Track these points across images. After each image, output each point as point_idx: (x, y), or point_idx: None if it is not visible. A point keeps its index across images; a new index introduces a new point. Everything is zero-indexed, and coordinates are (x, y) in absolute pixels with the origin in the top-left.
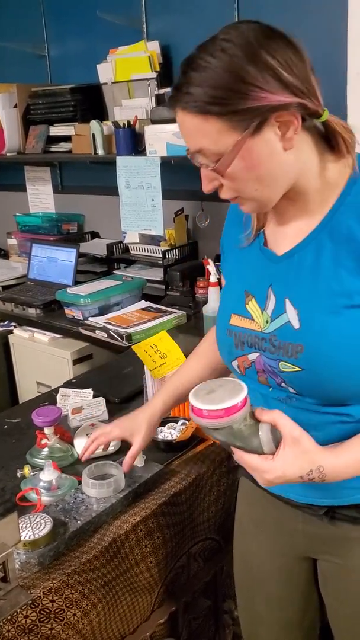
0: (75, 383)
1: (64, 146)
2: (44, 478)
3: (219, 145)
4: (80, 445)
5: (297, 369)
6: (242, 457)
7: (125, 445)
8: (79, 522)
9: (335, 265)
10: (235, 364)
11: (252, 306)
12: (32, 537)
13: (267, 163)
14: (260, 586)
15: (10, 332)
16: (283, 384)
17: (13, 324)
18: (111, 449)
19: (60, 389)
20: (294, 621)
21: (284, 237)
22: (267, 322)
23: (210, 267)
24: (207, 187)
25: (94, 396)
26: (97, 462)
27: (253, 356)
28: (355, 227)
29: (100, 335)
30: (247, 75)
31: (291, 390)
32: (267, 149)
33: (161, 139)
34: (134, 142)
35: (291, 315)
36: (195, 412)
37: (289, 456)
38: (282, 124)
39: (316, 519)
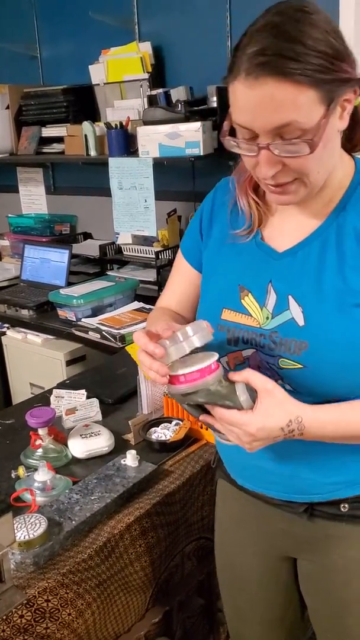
0: (68, 384)
1: (56, 147)
2: (38, 479)
3: (309, 118)
4: (74, 445)
5: (299, 365)
6: (223, 414)
7: (119, 445)
8: (73, 522)
9: (341, 264)
10: (224, 360)
11: (249, 301)
12: (27, 537)
13: (332, 142)
14: (243, 585)
15: (4, 333)
16: (280, 381)
17: (6, 325)
18: (105, 448)
19: (54, 390)
20: (275, 620)
21: (283, 234)
22: (267, 318)
23: None
24: (270, 172)
25: (88, 397)
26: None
27: (247, 352)
28: None
29: (93, 336)
30: (336, 46)
31: (288, 387)
32: (334, 126)
33: (153, 140)
34: (127, 143)
35: (295, 312)
36: (173, 381)
37: (266, 407)
38: (345, 100)
39: (296, 517)
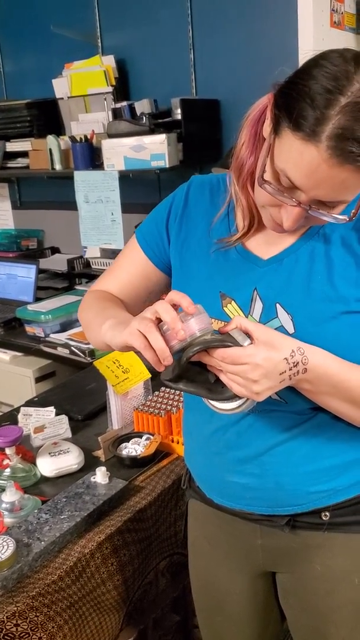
0: (37, 401)
1: (21, 162)
2: (6, 499)
3: (354, 195)
4: (43, 464)
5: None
6: (224, 352)
7: (89, 462)
8: (42, 542)
9: (330, 272)
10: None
11: (232, 309)
12: None
13: None
14: (220, 606)
15: None
16: None
17: None
18: (75, 466)
19: (22, 408)
20: (254, 638)
21: (266, 241)
22: None
23: None
24: (294, 226)
25: (57, 414)
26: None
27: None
28: (347, 234)
29: (62, 352)
30: None
31: (274, 396)
32: None
33: (119, 152)
34: (92, 157)
35: (284, 320)
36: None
37: (266, 338)
38: None
39: (276, 530)
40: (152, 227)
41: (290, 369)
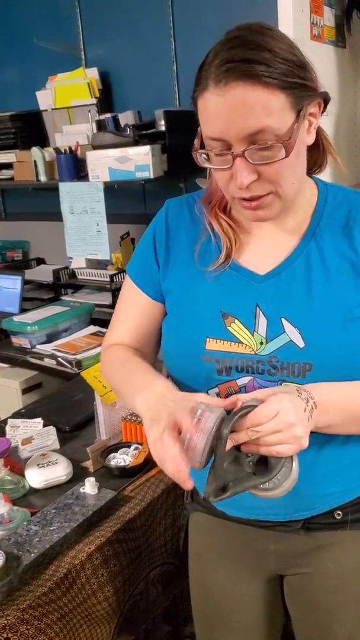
0: (24, 413)
1: (5, 173)
2: None
3: (281, 123)
4: (31, 475)
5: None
6: (254, 416)
7: (78, 472)
8: (32, 554)
9: (328, 281)
10: (214, 391)
11: (237, 328)
12: None
13: (302, 155)
14: (224, 616)
15: None
16: None
17: None
18: (63, 477)
19: (9, 420)
20: None
21: (260, 256)
22: (261, 343)
23: None
24: (247, 179)
25: (44, 425)
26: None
27: (244, 380)
28: (341, 241)
29: (49, 363)
30: (299, 56)
31: None
32: (303, 138)
33: (103, 164)
34: (77, 168)
35: (292, 334)
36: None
37: (271, 390)
38: (310, 114)
39: (290, 534)
40: (142, 262)
41: (307, 403)
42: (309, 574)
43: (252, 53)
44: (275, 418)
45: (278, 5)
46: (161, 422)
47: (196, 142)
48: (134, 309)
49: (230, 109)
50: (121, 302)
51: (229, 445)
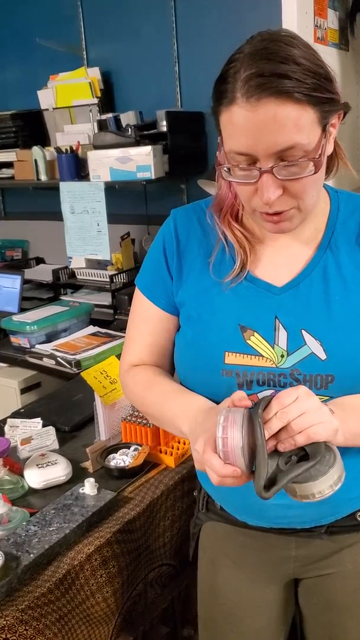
0: (23, 413)
1: (6, 172)
2: None
3: (310, 139)
4: (31, 476)
5: (324, 398)
6: (280, 399)
7: (77, 473)
8: (31, 555)
9: (346, 291)
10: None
11: (257, 341)
12: None
13: (324, 166)
14: (235, 621)
15: None
16: None
17: None
18: (63, 478)
19: (8, 420)
20: None
21: (276, 267)
22: (282, 356)
23: None
24: (274, 195)
25: (44, 425)
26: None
27: (265, 394)
28: (356, 250)
29: (48, 362)
30: (323, 67)
31: None
32: (327, 150)
33: (104, 164)
34: (77, 168)
35: (314, 346)
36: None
37: (296, 396)
38: (331, 125)
39: (312, 540)
40: (153, 274)
41: (330, 411)
42: (327, 576)
43: (282, 67)
44: (297, 401)
45: (282, 8)
46: (199, 440)
47: (219, 155)
48: (149, 325)
49: (260, 125)
50: (134, 320)
51: (266, 436)
